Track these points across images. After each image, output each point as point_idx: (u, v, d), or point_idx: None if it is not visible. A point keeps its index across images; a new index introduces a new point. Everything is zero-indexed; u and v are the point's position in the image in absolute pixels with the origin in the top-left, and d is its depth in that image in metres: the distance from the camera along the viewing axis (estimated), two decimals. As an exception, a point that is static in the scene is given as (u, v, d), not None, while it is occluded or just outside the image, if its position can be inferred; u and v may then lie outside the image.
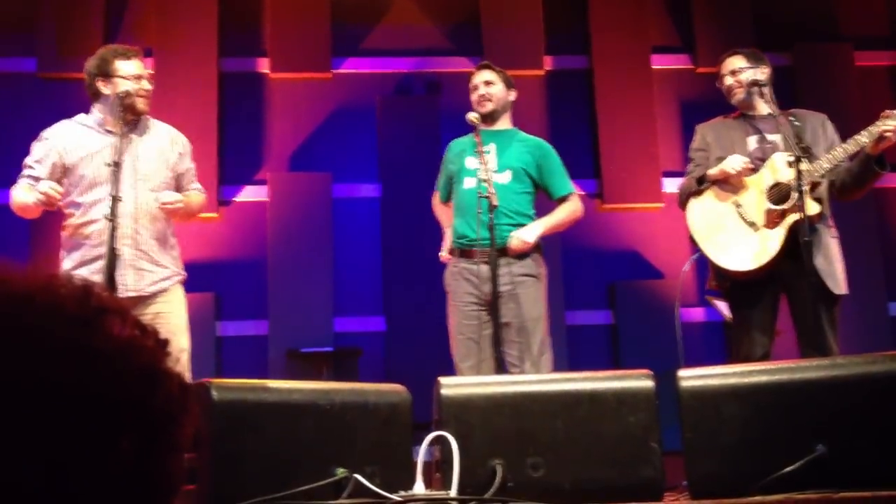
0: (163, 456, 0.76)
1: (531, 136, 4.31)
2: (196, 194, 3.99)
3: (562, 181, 4.23)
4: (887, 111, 3.73)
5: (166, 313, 3.67)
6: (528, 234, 4.00)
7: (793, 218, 3.75)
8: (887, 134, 3.69)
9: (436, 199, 4.41)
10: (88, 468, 0.70)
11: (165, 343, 0.80)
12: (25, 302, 0.72)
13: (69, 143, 3.69)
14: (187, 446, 0.80)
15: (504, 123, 4.24)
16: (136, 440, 0.73)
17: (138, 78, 3.70)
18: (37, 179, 3.65)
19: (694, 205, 4.01)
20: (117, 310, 0.77)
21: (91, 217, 3.62)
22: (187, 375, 3.40)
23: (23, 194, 3.64)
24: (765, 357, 3.80)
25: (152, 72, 3.74)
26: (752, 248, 3.83)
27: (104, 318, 0.75)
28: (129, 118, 3.69)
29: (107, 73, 3.70)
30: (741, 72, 4.03)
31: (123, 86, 3.66)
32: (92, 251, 3.62)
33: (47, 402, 0.69)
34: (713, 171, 3.93)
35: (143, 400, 0.74)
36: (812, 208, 3.68)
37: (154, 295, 3.67)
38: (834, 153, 3.76)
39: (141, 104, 3.70)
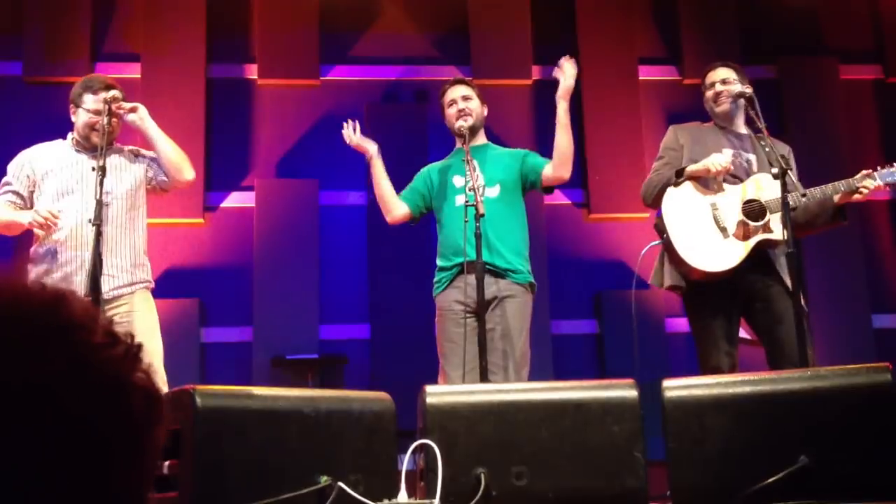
0: (126, 468, 0.74)
1: (506, 148, 4.31)
2: None
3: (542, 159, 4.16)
4: (868, 171, 3.85)
5: (130, 312, 3.80)
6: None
7: (762, 237, 3.79)
8: (863, 191, 3.82)
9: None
10: (47, 482, 0.68)
11: (137, 349, 0.78)
12: None
13: (39, 157, 3.90)
14: (155, 457, 0.78)
15: (481, 139, 4.21)
16: (91, 453, 0.71)
17: (97, 113, 3.83)
18: (16, 193, 3.88)
19: (672, 193, 3.96)
20: (87, 320, 0.75)
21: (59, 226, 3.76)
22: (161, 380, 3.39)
23: (7, 212, 3.82)
24: (732, 368, 3.80)
25: (124, 107, 3.88)
26: (717, 252, 3.83)
27: (72, 331, 0.73)
28: (89, 146, 3.88)
29: (76, 103, 3.91)
30: (732, 83, 4.06)
31: (83, 118, 3.87)
32: (58, 259, 3.76)
33: (3, 415, 0.68)
34: (696, 167, 3.92)
35: (105, 414, 0.72)
36: (778, 232, 3.72)
37: (112, 300, 3.77)
38: (813, 191, 3.83)
39: (95, 138, 3.83)
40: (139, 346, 0.79)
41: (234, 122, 6.39)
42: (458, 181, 4.08)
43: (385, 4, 6.67)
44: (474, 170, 3.92)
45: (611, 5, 6.70)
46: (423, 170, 4.31)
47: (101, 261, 3.51)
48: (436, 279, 4.09)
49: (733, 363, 3.82)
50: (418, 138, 6.20)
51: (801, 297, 3.76)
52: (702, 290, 3.88)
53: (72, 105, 3.92)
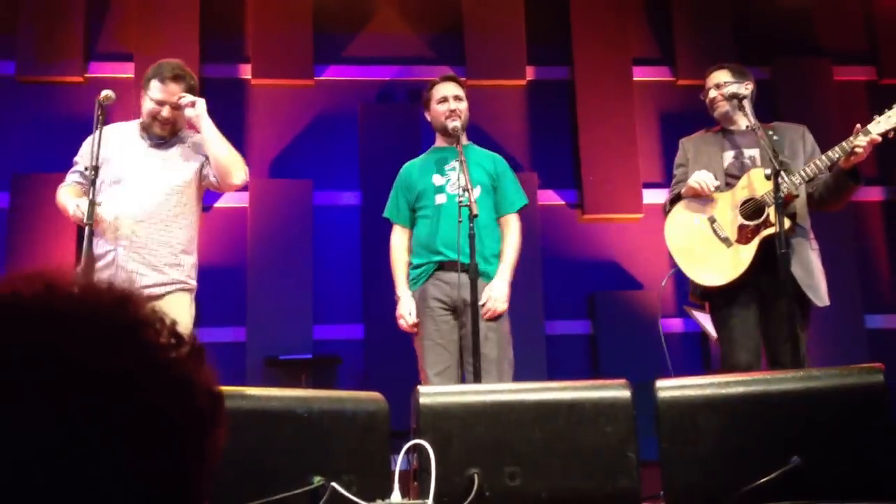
0: (187, 467, 0.75)
1: (484, 150, 4.31)
2: None
3: (513, 196, 4.15)
4: (859, 126, 3.77)
5: None
6: (503, 296, 3.95)
7: (765, 233, 3.79)
8: (858, 150, 3.74)
9: (396, 236, 4.19)
10: (111, 480, 0.69)
11: (201, 350, 0.79)
12: (63, 315, 0.72)
13: (106, 139, 3.73)
14: (215, 459, 0.78)
15: (464, 139, 4.19)
16: (159, 452, 0.72)
17: (161, 103, 3.75)
18: (83, 174, 3.77)
19: (670, 220, 4.06)
20: (154, 320, 0.77)
21: (101, 216, 3.64)
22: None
23: (67, 198, 3.72)
24: (751, 365, 3.81)
25: (184, 100, 3.76)
26: (724, 264, 3.86)
27: (139, 330, 0.75)
28: (152, 133, 3.79)
29: (144, 88, 3.80)
30: (725, 86, 4.06)
31: (147, 106, 3.77)
32: (96, 251, 3.67)
33: (71, 416, 0.69)
34: (684, 190, 3.99)
35: (168, 413, 0.73)
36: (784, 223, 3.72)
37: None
38: (807, 169, 3.80)
39: (157, 128, 3.77)
40: (202, 348, 0.80)
41: (228, 121, 6.31)
42: (437, 180, 4.10)
43: (379, 4, 6.67)
44: (460, 168, 3.93)
45: (605, 6, 6.70)
46: (399, 177, 4.28)
47: (93, 262, 3.44)
48: (411, 277, 4.09)
49: (751, 360, 3.81)
50: (412, 138, 6.19)
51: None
52: (721, 292, 3.91)
53: (142, 88, 3.81)
